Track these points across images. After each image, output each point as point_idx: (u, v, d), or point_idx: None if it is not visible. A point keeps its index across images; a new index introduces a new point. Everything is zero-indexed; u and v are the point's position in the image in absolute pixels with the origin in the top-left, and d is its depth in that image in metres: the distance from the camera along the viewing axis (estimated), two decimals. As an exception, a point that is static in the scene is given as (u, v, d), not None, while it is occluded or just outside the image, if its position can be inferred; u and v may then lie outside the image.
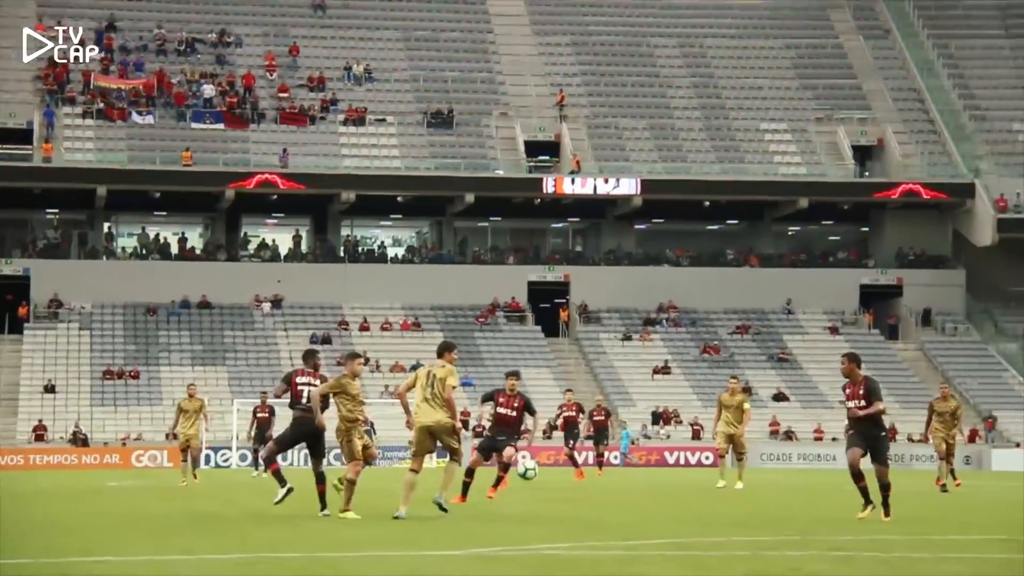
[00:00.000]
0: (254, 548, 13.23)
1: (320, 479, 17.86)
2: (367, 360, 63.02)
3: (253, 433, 37.34)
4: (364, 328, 65.93)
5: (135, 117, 69.44)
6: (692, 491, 24.38)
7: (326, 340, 64.96)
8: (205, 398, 41.30)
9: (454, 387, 17.41)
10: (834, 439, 58.93)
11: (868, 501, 17.05)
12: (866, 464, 18.14)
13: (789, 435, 61.36)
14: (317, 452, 18.10)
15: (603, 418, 38.44)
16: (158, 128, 69.49)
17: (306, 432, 17.98)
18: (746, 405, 28.37)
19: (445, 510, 17.34)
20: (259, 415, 37.64)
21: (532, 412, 22.78)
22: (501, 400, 22.27)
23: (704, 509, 21.15)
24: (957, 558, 13.12)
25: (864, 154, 72.39)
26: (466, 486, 21.80)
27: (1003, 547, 14.52)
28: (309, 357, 18.96)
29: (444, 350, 17.66)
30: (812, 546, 14.12)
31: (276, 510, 18.10)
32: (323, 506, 17.63)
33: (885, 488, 17.41)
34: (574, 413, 36.47)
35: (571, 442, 35.62)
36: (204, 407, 32.69)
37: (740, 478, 28.76)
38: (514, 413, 22.37)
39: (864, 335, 69.06)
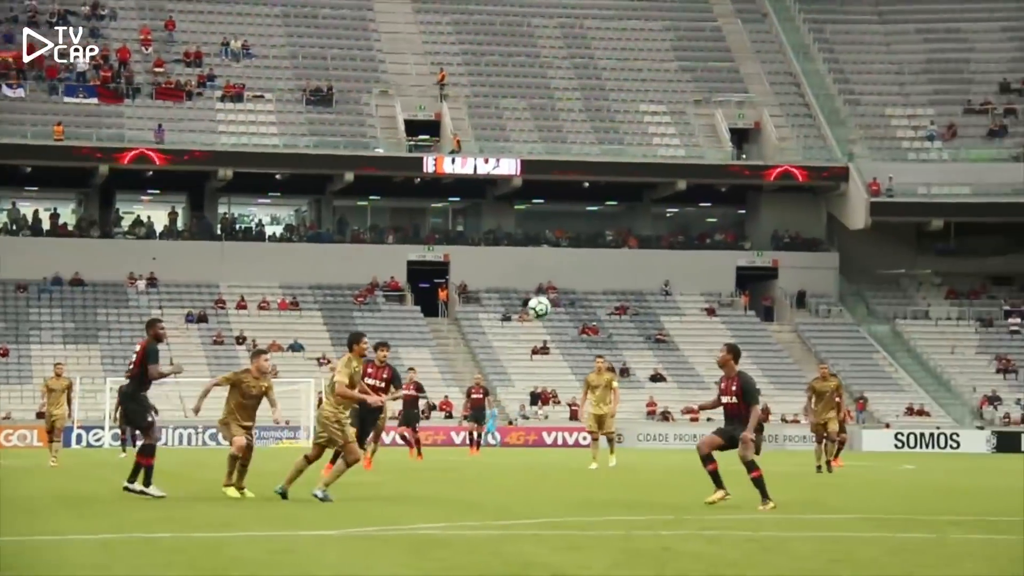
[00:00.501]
0: (126, 528, 13.10)
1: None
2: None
3: (118, 414, 36.51)
4: (241, 307, 65.51)
5: (5, 90, 68.28)
6: (568, 472, 24.73)
7: (202, 319, 64.83)
8: (76, 377, 40.83)
9: (339, 381, 17.21)
10: (709, 419, 59.08)
11: (720, 486, 16.92)
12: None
13: (666, 416, 61.74)
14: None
15: (480, 396, 38.76)
16: (29, 102, 68.14)
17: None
18: (614, 384, 28.34)
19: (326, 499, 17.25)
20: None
21: (398, 385, 22.69)
22: (369, 371, 21.58)
23: (579, 489, 21.31)
24: (826, 537, 13.36)
25: (741, 137, 73.02)
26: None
27: (869, 526, 14.78)
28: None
29: (351, 342, 17.47)
30: (684, 526, 14.24)
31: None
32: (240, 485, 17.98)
33: (752, 469, 16.98)
34: (481, 396, 37.88)
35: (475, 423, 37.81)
36: (72, 386, 32.07)
37: (612, 453, 28.97)
38: (383, 384, 21.99)
39: (740, 317, 70.20)
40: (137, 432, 23.33)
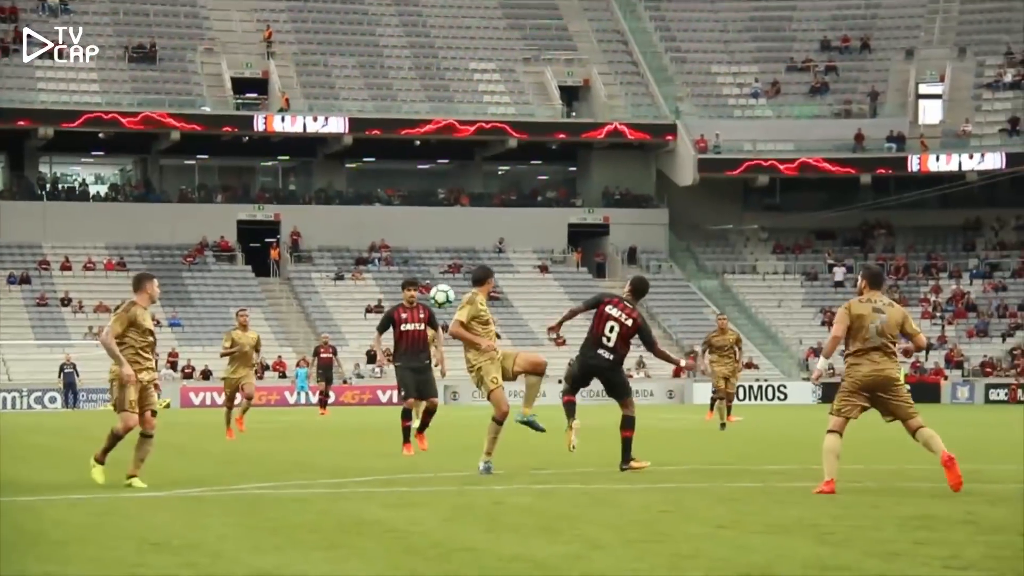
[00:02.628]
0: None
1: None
2: (71, 301, 62.30)
3: None
4: (66, 268, 64.52)
5: None
6: (399, 430, 24.69)
7: (25, 280, 63.61)
8: None
9: (458, 319, 15.60)
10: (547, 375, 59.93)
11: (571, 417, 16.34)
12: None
13: None
14: None
15: (329, 356, 38.81)
16: None
17: None
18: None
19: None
20: None
21: (435, 326, 19.82)
22: (404, 316, 19.11)
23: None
24: (657, 488, 13.55)
25: (571, 95, 72.93)
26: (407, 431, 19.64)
27: (699, 477, 15.05)
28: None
29: (483, 278, 15.55)
30: (516, 480, 14.37)
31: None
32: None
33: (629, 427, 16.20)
34: (330, 355, 38.26)
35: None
36: None
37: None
38: (421, 327, 19.19)
39: (573, 273, 70.70)
40: None
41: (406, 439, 19.11)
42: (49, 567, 8.32)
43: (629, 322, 16.13)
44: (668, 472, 15.81)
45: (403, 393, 19.17)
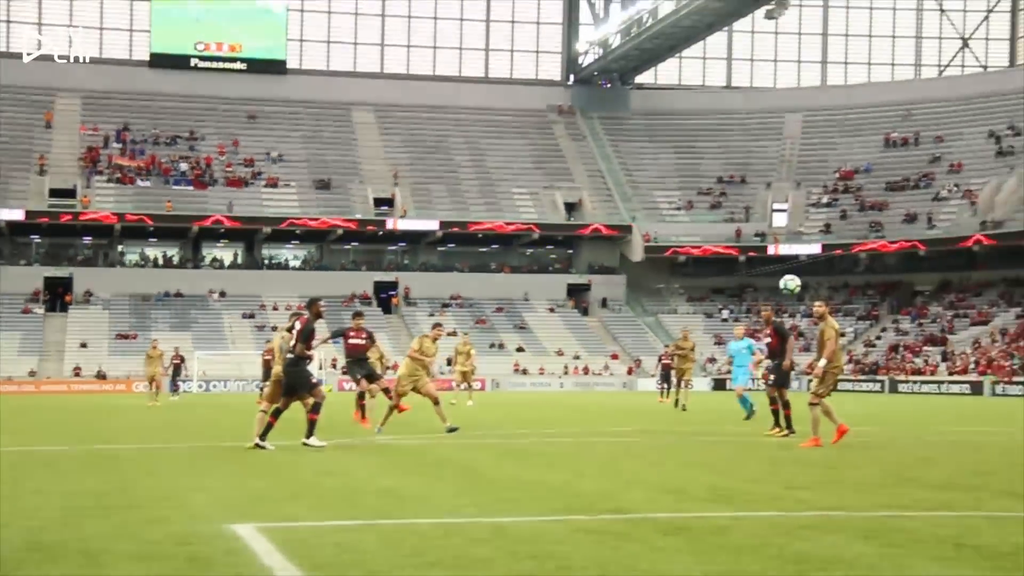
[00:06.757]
0: None
1: None
2: None
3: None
4: (275, 309, 64.21)
5: (139, 182, 69.55)
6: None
7: (250, 316, 64.07)
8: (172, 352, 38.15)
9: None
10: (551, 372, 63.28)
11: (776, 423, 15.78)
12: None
13: (525, 371, 62.13)
14: None
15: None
16: (152, 188, 69.34)
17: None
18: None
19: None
20: None
21: (373, 341, 18.29)
22: (352, 334, 17.53)
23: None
24: (620, 441, 14.13)
25: (570, 208, 74.55)
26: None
27: (646, 435, 15.41)
28: None
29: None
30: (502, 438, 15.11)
31: None
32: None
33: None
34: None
35: None
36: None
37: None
38: (364, 342, 17.77)
39: (569, 313, 71.69)
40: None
41: (361, 412, 18.23)
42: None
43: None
44: (628, 432, 16.45)
45: (357, 379, 17.68)
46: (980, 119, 76.33)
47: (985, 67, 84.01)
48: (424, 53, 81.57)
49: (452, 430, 15.77)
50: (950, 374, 59.45)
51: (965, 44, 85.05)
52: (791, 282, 16.26)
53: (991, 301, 67.33)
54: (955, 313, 67.58)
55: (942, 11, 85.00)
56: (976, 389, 55.28)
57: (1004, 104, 76.40)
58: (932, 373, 60.34)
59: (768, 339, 16.07)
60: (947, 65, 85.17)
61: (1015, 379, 54.74)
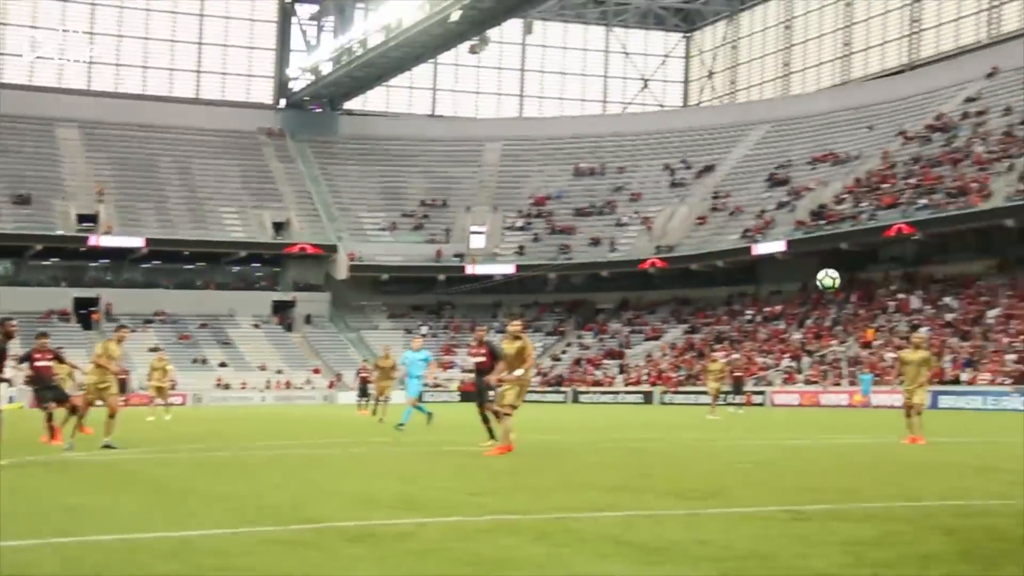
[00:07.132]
0: None
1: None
2: None
3: None
4: None
5: None
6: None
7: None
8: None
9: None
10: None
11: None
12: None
13: (227, 386, 61.90)
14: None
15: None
16: None
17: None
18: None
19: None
20: None
21: (63, 360, 17.31)
22: (38, 356, 16.70)
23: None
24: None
25: (279, 227, 73.94)
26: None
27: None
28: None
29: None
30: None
31: None
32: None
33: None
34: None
35: None
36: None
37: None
38: (50, 364, 16.83)
39: (274, 329, 71.01)
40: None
41: (51, 433, 17.07)
42: None
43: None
44: (323, 443, 16.80)
45: (43, 401, 16.92)
46: (657, 153, 79.68)
47: (662, 106, 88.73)
48: (134, 72, 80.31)
49: (108, 447, 15.54)
50: (626, 385, 61.54)
51: (645, 84, 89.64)
52: (827, 278, 15.61)
53: (663, 318, 70.30)
54: (632, 329, 70.20)
55: (626, 54, 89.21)
56: (647, 398, 57.74)
57: (678, 140, 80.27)
58: (610, 384, 62.44)
59: (482, 357, 15.97)
60: (629, 103, 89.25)
61: (680, 389, 57.42)
